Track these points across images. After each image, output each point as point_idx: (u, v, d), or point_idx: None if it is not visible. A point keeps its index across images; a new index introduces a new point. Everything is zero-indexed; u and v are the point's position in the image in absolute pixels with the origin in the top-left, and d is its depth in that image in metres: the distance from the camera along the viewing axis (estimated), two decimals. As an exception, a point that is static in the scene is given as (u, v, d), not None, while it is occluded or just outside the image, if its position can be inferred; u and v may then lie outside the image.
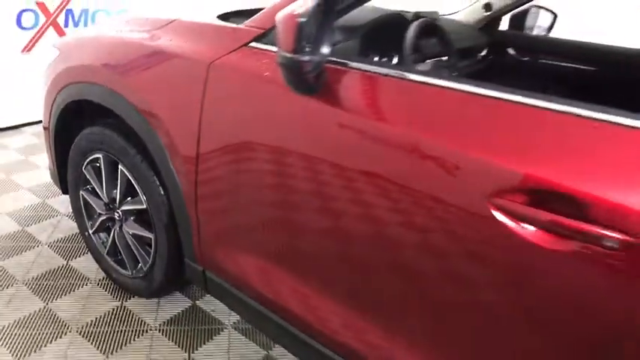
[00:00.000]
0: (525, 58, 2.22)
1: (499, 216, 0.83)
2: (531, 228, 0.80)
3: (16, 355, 1.54)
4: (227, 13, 1.57)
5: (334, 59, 1.07)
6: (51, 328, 1.66)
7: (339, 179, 1.07)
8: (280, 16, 0.92)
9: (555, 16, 2.31)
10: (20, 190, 2.51)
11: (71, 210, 2.01)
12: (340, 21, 1.22)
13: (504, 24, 2.35)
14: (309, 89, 1.05)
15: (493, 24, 2.27)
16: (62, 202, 2.40)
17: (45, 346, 1.59)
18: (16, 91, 3.12)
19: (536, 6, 2.24)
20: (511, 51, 2.24)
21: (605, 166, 0.78)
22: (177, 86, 1.34)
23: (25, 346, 1.58)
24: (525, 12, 2.25)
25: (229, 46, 1.23)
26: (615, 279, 0.76)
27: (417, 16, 1.63)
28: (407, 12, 1.67)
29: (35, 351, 1.57)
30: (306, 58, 0.92)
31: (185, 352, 1.63)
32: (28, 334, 1.63)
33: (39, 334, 1.63)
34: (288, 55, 0.92)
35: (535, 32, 2.29)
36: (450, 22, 2.13)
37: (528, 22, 2.27)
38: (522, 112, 0.87)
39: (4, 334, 1.62)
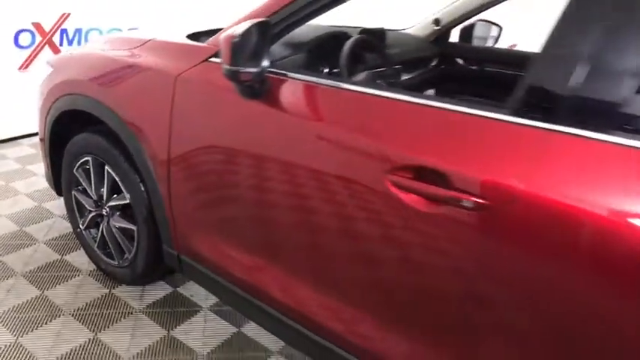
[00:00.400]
0: (473, 67, 2.48)
1: (392, 188, 1.07)
2: (414, 196, 1.04)
3: (15, 335, 1.76)
4: (198, 32, 1.81)
5: (275, 70, 1.31)
6: (46, 312, 1.88)
7: (282, 170, 1.31)
8: (222, 36, 1.17)
9: (501, 28, 2.57)
10: (19, 195, 2.74)
11: (65, 212, 2.23)
12: (289, 38, 1.47)
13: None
14: (253, 95, 1.29)
15: (443, 37, 2.52)
16: (57, 206, 2.62)
17: (41, 326, 1.81)
18: (13, 106, 3.36)
19: (481, 20, 2.49)
20: (460, 61, 2.50)
21: (468, 150, 1.01)
22: (151, 96, 1.58)
23: (23, 327, 1.79)
24: (472, 25, 2.51)
25: (193, 61, 1.47)
26: (472, 231, 0.99)
27: (363, 32, 1.88)
28: (354, 28, 1.92)
29: (32, 330, 1.79)
30: (244, 69, 1.16)
31: (165, 330, 1.85)
32: (25, 316, 1.85)
33: (35, 316, 1.85)
34: (227, 67, 1.16)
35: (483, 43, 2.55)
36: (402, 36, 2.39)
37: (476, 34, 2.53)
38: (413, 110, 1.11)
39: (4, 317, 1.83)
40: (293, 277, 1.39)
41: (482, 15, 2.45)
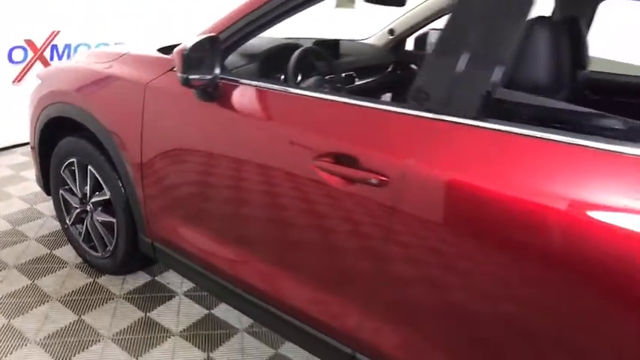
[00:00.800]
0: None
1: (319, 172, 1.29)
2: (333, 176, 1.26)
3: (7, 317, 1.96)
4: (168, 46, 2.04)
5: (227, 77, 1.54)
6: (36, 298, 2.09)
7: (234, 164, 1.53)
8: (176, 49, 1.40)
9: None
10: (12, 199, 2.95)
11: (54, 213, 2.45)
12: (245, 49, 1.71)
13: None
14: (209, 98, 1.52)
15: (399, 45, 2.77)
16: (47, 207, 2.83)
17: (31, 310, 2.01)
18: (7, 117, 3.58)
19: (433, 29, 2.74)
20: (414, 67, 2.74)
21: (374, 137, 1.24)
22: (125, 102, 1.81)
23: (14, 311, 2.00)
24: (426, 34, 2.75)
25: (159, 71, 1.70)
26: (379, 202, 1.21)
27: (317, 43, 2.12)
28: (310, 39, 2.16)
29: (23, 314, 1.99)
30: (194, 77, 1.39)
31: (143, 312, 2.06)
32: (17, 302, 2.05)
33: (26, 302, 2.06)
34: (180, 75, 1.39)
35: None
36: (359, 45, 2.63)
37: (430, 41, 2.77)
38: (334, 107, 1.34)
39: (-2, 303, 2.04)
40: (247, 255, 1.61)
41: (436, 24, 2.70)
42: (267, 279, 1.56)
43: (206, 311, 2.09)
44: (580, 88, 2.02)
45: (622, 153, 0.95)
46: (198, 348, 1.89)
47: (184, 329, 1.98)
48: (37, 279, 2.22)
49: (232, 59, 1.75)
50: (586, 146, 0.99)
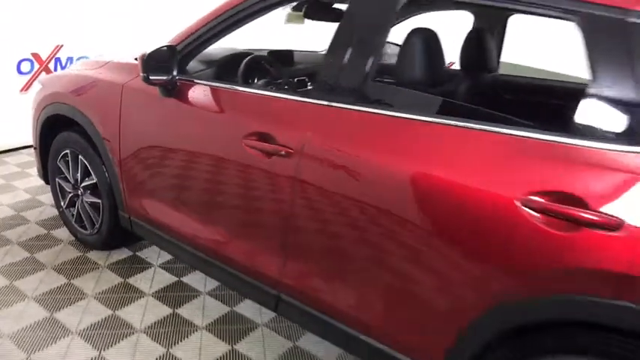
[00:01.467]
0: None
1: (247, 148, 1.67)
2: (256, 151, 1.65)
3: (10, 280, 2.35)
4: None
5: (184, 77, 1.94)
6: (33, 266, 2.48)
7: (190, 148, 1.92)
8: (139, 55, 1.81)
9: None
10: (17, 191, 3.36)
11: (53, 201, 2.85)
12: (207, 56, 2.11)
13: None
14: (169, 95, 1.92)
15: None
16: (47, 198, 3.23)
17: (29, 276, 2.40)
18: (15, 122, 4.01)
19: (383, 42, 3.13)
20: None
21: (284, 120, 1.62)
22: (107, 100, 2.22)
23: (15, 275, 2.39)
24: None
25: (134, 74, 2.10)
26: (289, 170, 1.59)
27: (270, 53, 2.53)
28: (262, 50, 2.57)
29: (22, 278, 2.38)
30: (153, 77, 1.79)
31: (122, 278, 2.44)
32: (17, 269, 2.44)
33: (25, 269, 2.45)
34: (142, 74, 1.80)
35: (388, 60, 3.19)
36: (314, 55, 3.03)
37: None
38: (260, 98, 1.73)
39: (1, 269, 2.43)
40: (199, 221, 1.99)
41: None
42: (214, 239, 1.94)
43: (176, 279, 2.47)
44: (490, 88, 2.41)
45: (444, 124, 1.33)
46: (167, 305, 2.26)
47: (156, 291, 2.35)
48: (35, 253, 2.61)
49: (195, 65, 2.15)
50: (425, 121, 1.37)
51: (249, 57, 2.22)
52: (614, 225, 1.06)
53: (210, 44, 1.97)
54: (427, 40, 1.69)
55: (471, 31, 2.34)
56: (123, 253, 2.66)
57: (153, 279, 2.46)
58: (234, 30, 1.90)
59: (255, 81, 2.35)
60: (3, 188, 3.40)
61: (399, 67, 1.72)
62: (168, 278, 2.47)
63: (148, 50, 1.79)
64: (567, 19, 1.23)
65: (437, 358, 1.38)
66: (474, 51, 2.26)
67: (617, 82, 1.13)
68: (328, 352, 1.99)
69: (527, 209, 1.16)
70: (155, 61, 1.80)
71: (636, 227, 1.04)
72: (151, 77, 1.80)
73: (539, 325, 1.21)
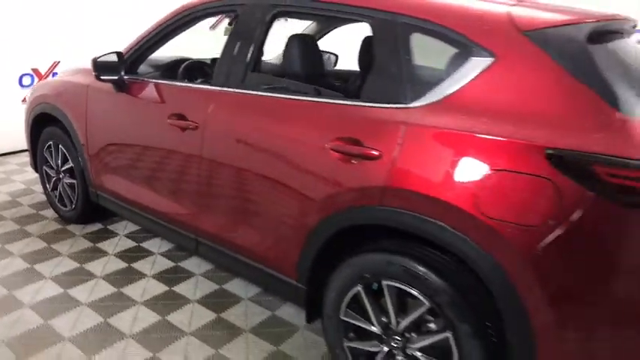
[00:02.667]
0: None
1: (170, 124, 2.24)
2: (175, 127, 2.21)
3: (2, 243, 2.92)
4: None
5: (131, 77, 2.52)
6: (21, 235, 3.05)
7: (136, 131, 2.50)
8: (91, 58, 2.40)
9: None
10: (15, 182, 3.97)
11: (42, 186, 3.44)
12: (154, 61, 2.70)
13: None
14: (120, 90, 2.50)
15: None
16: (40, 188, 3.83)
17: (18, 241, 2.97)
18: (16, 129, 4.63)
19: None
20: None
21: (193, 103, 2.19)
22: (77, 99, 2.81)
23: (5, 241, 2.96)
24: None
25: (96, 76, 2.70)
26: (198, 138, 2.14)
27: (213, 60, 3.12)
28: (208, 58, 3.16)
29: (12, 242, 2.95)
30: (105, 77, 2.38)
31: (92, 243, 2.99)
32: (8, 237, 3.02)
33: (15, 237, 3.02)
34: (94, 73, 2.38)
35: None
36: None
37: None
38: (182, 89, 2.30)
39: (-4, 238, 3.01)
40: (145, 187, 2.55)
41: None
42: (152, 199, 2.50)
43: (136, 244, 3.02)
44: (330, 78, 2.93)
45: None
46: (125, 262, 2.80)
47: (117, 251, 2.90)
48: (24, 226, 3.19)
49: (147, 68, 2.74)
50: (281, 97, 1.92)
51: (187, 61, 2.81)
52: (378, 156, 1.59)
53: (153, 51, 2.56)
54: (300, 43, 2.23)
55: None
56: (94, 226, 3.23)
57: (117, 244, 3.01)
58: (168, 39, 2.49)
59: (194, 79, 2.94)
60: (3, 180, 4.01)
61: (283, 62, 2.28)
62: (130, 244, 3.02)
63: (97, 55, 2.38)
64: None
65: (294, 259, 1.90)
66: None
67: (389, 63, 1.67)
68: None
69: (332, 151, 1.70)
70: (105, 64, 2.39)
71: (391, 156, 1.56)
72: (102, 77, 2.40)
73: (357, 230, 1.72)
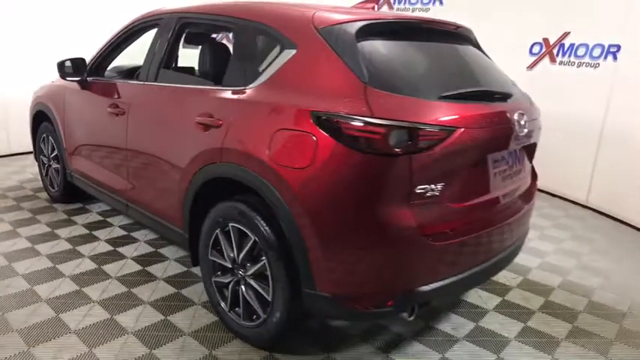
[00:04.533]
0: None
1: (109, 112, 2.85)
2: (112, 114, 2.82)
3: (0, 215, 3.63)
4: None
5: (94, 78, 3.17)
6: (15, 209, 3.75)
7: (97, 122, 3.14)
8: (57, 62, 3.07)
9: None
10: (26, 173, 4.77)
11: (39, 173, 4.17)
12: (118, 68, 3.37)
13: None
14: (84, 88, 3.16)
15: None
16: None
17: (12, 212, 3.67)
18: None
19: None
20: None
21: (126, 94, 2.79)
22: (58, 98, 3.51)
23: (2, 211, 3.66)
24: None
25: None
26: (126, 118, 2.74)
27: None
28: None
29: (7, 213, 3.64)
30: (69, 78, 3.05)
31: (68, 216, 3.64)
32: (4, 211, 3.72)
33: (9, 210, 3.72)
34: (59, 73, 3.05)
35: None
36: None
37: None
38: (123, 85, 2.91)
39: (-4, 211, 3.73)
40: (95, 164, 3.17)
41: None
42: (101, 173, 3.12)
43: (101, 217, 3.64)
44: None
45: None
46: (87, 230, 3.41)
47: (89, 223, 3.53)
48: (20, 203, 3.91)
49: (110, 73, 3.39)
50: (180, 87, 2.48)
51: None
52: (220, 125, 2.09)
53: (114, 56, 3.22)
54: (209, 46, 2.78)
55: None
56: (75, 205, 3.89)
57: (87, 218, 3.65)
58: (123, 47, 3.15)
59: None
60: (18, 172, 4.82)
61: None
62: (102, 220, 3.64)
63: (61, 59, 3.07)
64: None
65: (179, 213, 2.41)
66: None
67: (236, 56, 2.20)
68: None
69: (198, 123, 2.22)
70: (68, 67, 3.06)
71: (227, 124, 2.07)
72: (66, 78, 3.08)
73: (220, 185, 2.20)
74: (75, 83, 3.31)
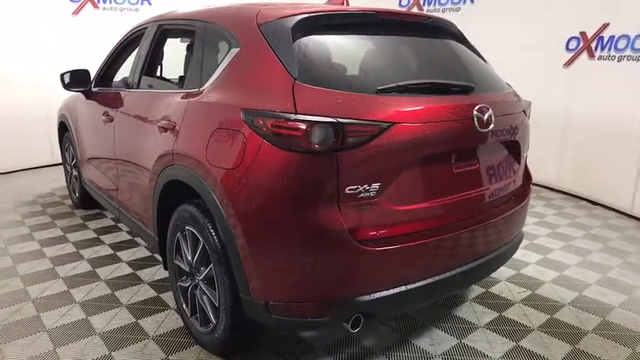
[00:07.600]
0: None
1: (104, 118, 2.96)
2: (105, 121, 2.92)
3: (13, 205, 3.88)
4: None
5: (98, 88, 3.31)
6: (39, 214, 3.99)
7: (92, 126, 3.27)
8: (60, 73, 3.23)
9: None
10: (61, 182, 5.06)
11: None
12: (123, 77, 3.51)
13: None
14: (89, 97, 3.32)
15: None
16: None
17: (32, 218, 3.91)
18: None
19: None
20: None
21: (114, 103, 2.88)
22: (74, 109, 3.71)
23: (26, 216, 3.91)
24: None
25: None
26: (112, 127, 2.82)
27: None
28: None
29: (27, 218, 3.89)
30: (72, 88, 3.21)
31: (83, 221, 3.81)
32: (28, 214, 3.97)
33: (32, 214, 3.97)
34: (62, 84, 3.21)
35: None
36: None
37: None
38: (116, 93, 3.01)
39: None
40: (95, 170, 3.29)
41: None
42: (98, 179, 3.22)
43: (113, 223, 3.77)
44: None
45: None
46: (95, 234, 3.55)
47: (99, 228, 3.68)
48: (46, 209, 4.15)
49: (117, 83, 3.53)
50: (157, 92, 2.52)
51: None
52: (174, 127, 2.08)
53: (117, 66, 3.34)
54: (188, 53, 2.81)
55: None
56: (94, 211, 4.07)
57: (100, 223, 3.80)
58: (124, 57, 3.26)
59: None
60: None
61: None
62: (110, 224, 3.78)
63: (63, 71, 3.24)
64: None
65: (151, 216, 2.42)
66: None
67: (193, 59, 2.18)
68: None
69: (159, 127, 2.23)
70: (71, 79, 3.22)
71: (179, 127, 2.05)
72: (70, 88, 3.24)
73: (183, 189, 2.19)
74: (83, 95, 3.49)
